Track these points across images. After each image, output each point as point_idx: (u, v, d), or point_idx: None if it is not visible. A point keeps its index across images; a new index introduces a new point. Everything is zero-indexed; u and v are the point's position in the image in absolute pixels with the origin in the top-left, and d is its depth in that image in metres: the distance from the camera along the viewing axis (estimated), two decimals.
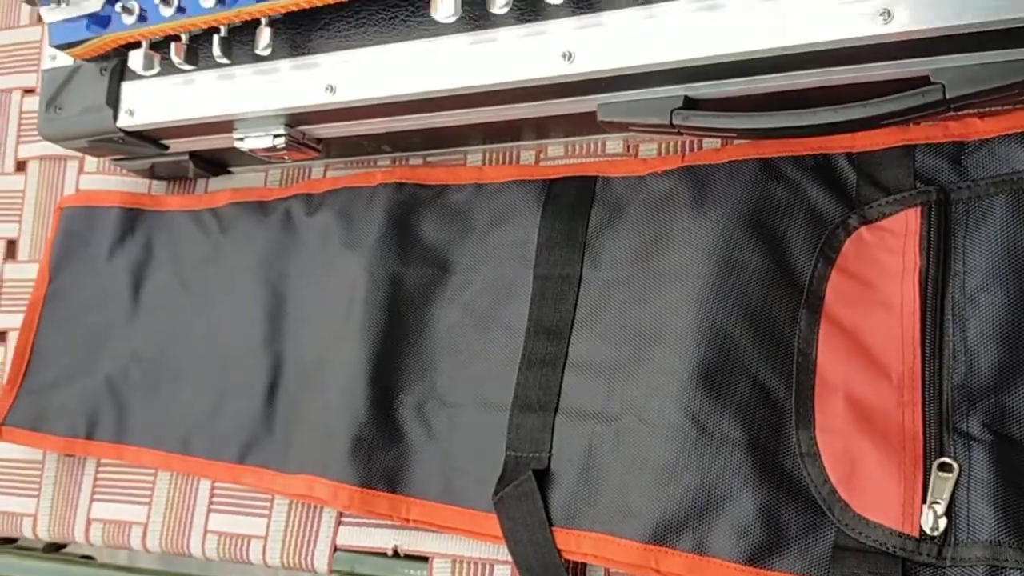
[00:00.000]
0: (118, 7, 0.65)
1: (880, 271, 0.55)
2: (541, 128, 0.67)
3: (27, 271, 0.85)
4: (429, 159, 0.74)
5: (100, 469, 0.78)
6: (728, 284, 0.57)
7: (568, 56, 0.56)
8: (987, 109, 0.56)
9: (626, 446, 0.57)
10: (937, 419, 0.52)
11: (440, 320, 0.67)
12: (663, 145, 0.66)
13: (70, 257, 0.82)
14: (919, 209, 0.55)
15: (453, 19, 0.56)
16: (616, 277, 0.62)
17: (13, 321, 0.84)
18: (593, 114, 0.60)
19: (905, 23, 0.48)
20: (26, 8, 0.88)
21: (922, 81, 0.51)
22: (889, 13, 0.48)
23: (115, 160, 0.79)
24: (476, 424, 0.63)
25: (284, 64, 0.65)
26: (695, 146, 0.64)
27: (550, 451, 0.60)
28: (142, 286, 0.79)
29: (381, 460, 0.64)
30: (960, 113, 0.55)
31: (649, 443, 0.56)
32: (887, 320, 0.54)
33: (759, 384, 0.55)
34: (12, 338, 0.83)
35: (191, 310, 0.76)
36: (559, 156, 0.69)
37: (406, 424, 0.65)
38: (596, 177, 0.65)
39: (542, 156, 0.70)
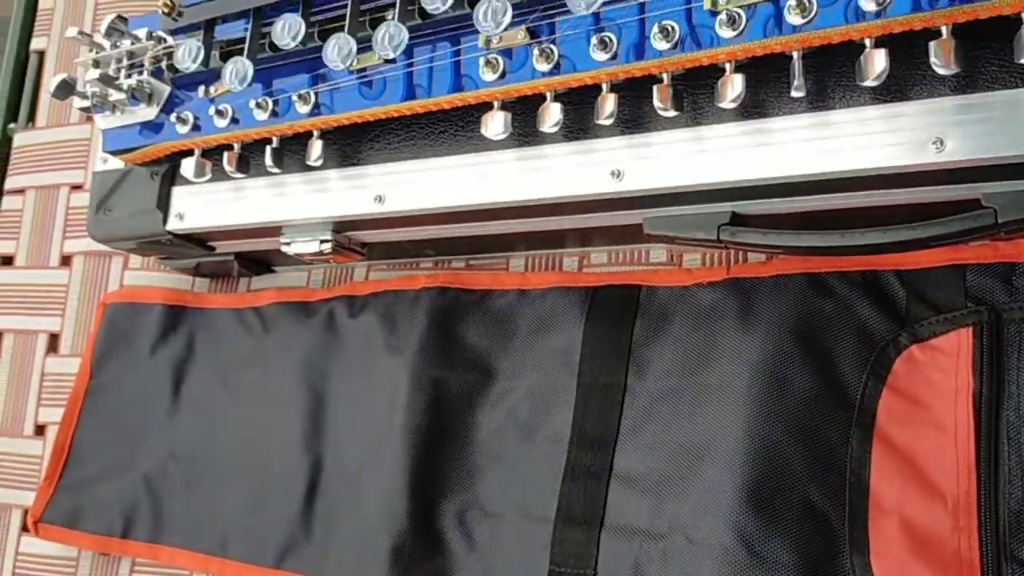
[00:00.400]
0: (173, 117, 0.66)
1: (933, 391, 0.55)
2: (585, 237, 0.68)
3: (69, 365, 0.86)
4: (471, 262, 0.74)
5: (135, 569, 0.78)
6: (777, 402, 0.56)
7: (617, 175, 0.56)
8: None
9: (674, 566, 0.56)
10: (994, 545, 0.51)
11: (483, 427, 0.66)
12: (707, 256, 0.66)
13: (112, 353, 0.83)
14: (971, 329, 0.55)
15: (503, 137, 0.57)
16: (662, 389, 0.62)
17: (53, 415, 0.84)
18: (639, 225, 0.60)
19: (958, 152, 0.48)
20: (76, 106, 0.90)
21: (973, 204, 0.51)
22: (942, 142, 0.48)
23: (161, 259, 0.80)
24: (519, 536, 0.63)
25: (333, 173, 0.66)
26: (740, 258, 0.65)
27: (595, 568, 0.59)
28: (183, 384, 0.80)
29: (421, 572, 0.64)
30: (1011, 234, 0.55)
31: (698, 564, 0.55)
32: (941, 442, 0.53)
33: (811, 506, 0.54)
34: (52, 432, 0.84)
35: (231, 409, 0.77)
36: (602, 263, 0.69)
37: (447, 533, 0.65)
38: (640, 286, 0.66)
39: (585, 263, 0.70)
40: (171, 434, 0.78)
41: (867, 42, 0.48)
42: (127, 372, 0.82)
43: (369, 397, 0.70)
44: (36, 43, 0.99)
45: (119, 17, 0.67)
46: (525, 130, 0.59)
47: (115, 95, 0.68)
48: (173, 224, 0.72)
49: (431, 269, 0.75)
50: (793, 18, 0.48)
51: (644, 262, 0.68)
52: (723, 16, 0.49)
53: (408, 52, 0.59)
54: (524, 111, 0.58)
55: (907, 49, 0.49)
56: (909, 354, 0.56)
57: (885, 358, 0.56)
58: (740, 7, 0.49)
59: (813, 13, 0.47)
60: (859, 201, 0.54)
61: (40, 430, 0.86)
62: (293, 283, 0.80)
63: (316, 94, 0.61)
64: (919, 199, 0.53)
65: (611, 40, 0.52)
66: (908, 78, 0.49)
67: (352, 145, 0.65)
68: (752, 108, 0.53)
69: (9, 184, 0.95)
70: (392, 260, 0.77)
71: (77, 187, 0.91)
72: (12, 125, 0.98)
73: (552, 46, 0.54)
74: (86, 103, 0.69)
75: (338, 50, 0.56)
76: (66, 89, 0.68)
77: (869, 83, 0.48)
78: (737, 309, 0.61)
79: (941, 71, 0.46)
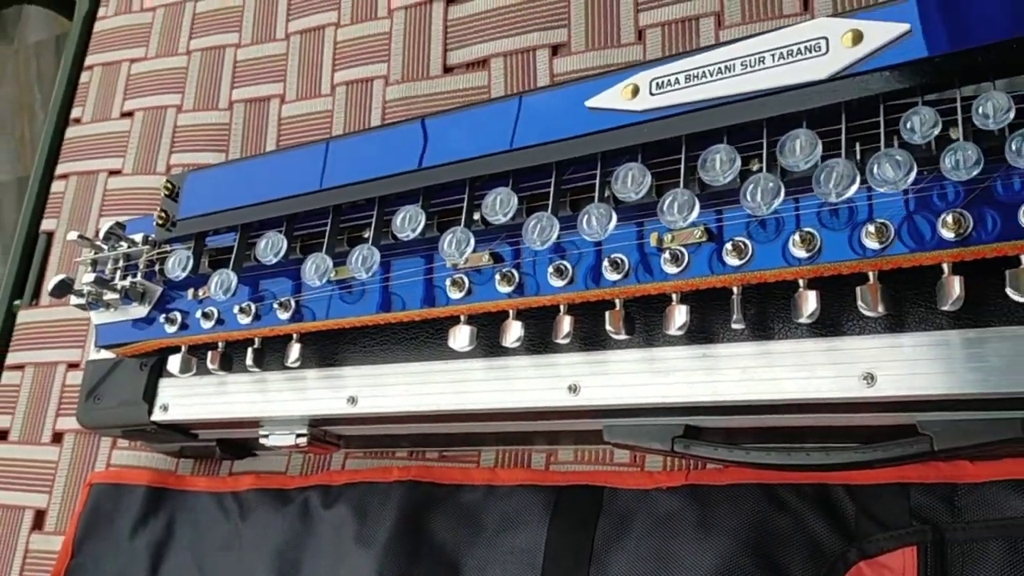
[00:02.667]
0: (162, 316, 0.70)
1: None
2: (551, 438, 0.70)
3: (52, 543, 0.87)
4: (445, 454, 0.76)
5: None
6: None
7: (574, 389, 0.59)
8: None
9: None
10: None
11: None
12: (668, 459, 0.68)
13: (94, 534, 0.84)
14: (915, 548, 0.56)
15: (468, 349, 0.60)
16: None
17: None
18: (600, 431, 0.63)
19: (887, 388, 0.51)
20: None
21: (911, 430, 0.53)
22: (872, 377, 0.51)
23: (146, 443, 0.83)
24: None
25: (311, 373, 0.69)
26: (700, 463, 0.67)
27: None
28: (160, 567, 0.81)
29: None
30: (949, 458, 0.57)
31: None
32: None
33: None
34: None
35: None
36: (569, 461, 0.71)
37: None
38: (604, 487, 0.68)
39: (552, 460, 0.72)
40: None
41: (800, 283, 0.51)
42: (108, 553, 0.83)
43: None
44: (46, 224, 1.04)
45: (118, 223, 0.72)
46: (491, 342, 0.62)
47: (109, 295, 0.72)
48: (157, 415, 0.75)
49: (406, 460, 0.77)
50: (731, 259, 0.51)
51: (609, 462, 0.70)
52: (667, 254, 0.53)
53: (385, 266, 0.63)
54: (490, 324, 0.62)
55: (841, 288, 0.52)
56: (858, 570, 0.58)
57: (835, 574, 0.58)
58: (683, 246, 0.53)
59: (749, 255, 0.51)
60: (804, 421, 0.57)
61: None
62: (273, 467, 0.82)
63: (296, 301, 0.65)
64: (861, 422, 0.56)
65: (567, 268, 0.56)
66: (843, 315, 0.53)
67: (329, 347, 0.69)
68: (699, 334, 0.56)
69: (9, 360, 0.98)
70: (368, 449, 0.79)
71: (74, 365, 0.94)
72: (17, 302, 1.02)
73: (514, 270, 0.58)
74: (82, 301, 0.73)
75: (315, 268, 0.61)
76: (63, 289, 0.72)
77: (803, 321, 0.51)
78: (695, 517, 0.63)
79: (867, 313, 0.49)
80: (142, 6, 1.10)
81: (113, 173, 1.02)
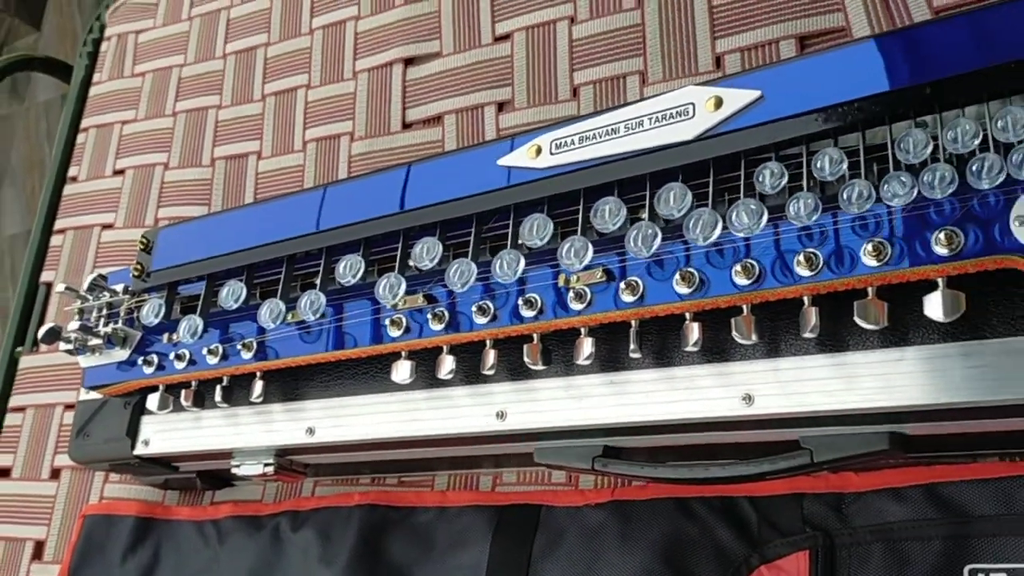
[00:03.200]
0: (140, 359, 0.78)
1: None
2: (497, 461, 0.77)
3: (51, 572, 0.94)
4: (403, 479, 0.83)
5: None
6: None
7: (501, 415, 0.66)
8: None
9: None
10: None
11: None
12: (598, 478, 0.75)
13: (88, 561, 0.91)
14: (808, 552, 0.63)
15: (409, 381, 0.67)
16: None
17: None
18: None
19: (764, 407, 0.57)
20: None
21: (795, 444, 0.60)
22: (751, 398, 0.58)
23: (133, 476, 0.90)
24: None
25: (276, 407, 0.77)
26: (626, 481, 0.73)
27: None
28: None
29: None
30: (835, 469, 0.64)
31: None
32: None
33: None
34: None
35: None
36: (512, 483, 0.78)
37: None
38: (541, 506, 0.74)
39: (498, 482, 0.79)
40: None
41: (687, 315, 0.58)
42: None
43: None
44: (45, 276, 1.12)
45: (100, 276, 0.80)
46: (430, 374, 0.69)
47: (94, 340, 0.79)
48: (140, 449, 0.82)
49: (367, 486, 0.84)
50: (626, 296, 0.58)
51: (547, 482, 0.77)
52: (572, 293, 0.60)
53: (337, 308, 0.70)
54: (429, 358, 0.69)
55: (723, 319, 0.59)
56: (759, 573, 0.64)
57: None
58: (587, 285, 0.60)
59: (641, 292, 0.58)
60: (705, 439, 0.63)
61: None
62: (251, 496, 0.89)
63: (258, 342, 0.72)
64: (755, 438, 0.62)
65: (488, 307, 0.63)
66: (725, 342, 0.59)
67: (291, 383, 0.76)
68: (608, 363, 0.63)
69: (12, 403, 1.06)
70: (335, 476, 0.86)
71: (70, 407, 1.02)
72: (19, 348, 1.10)
73: (444, 310, 0.65)
74: (70, 346, 0.80)
75: (269, 312, 0.68)
76: (53, 336, 0.80)
77: (690, 349, 0.58)
78: (618, 530, 0.69)
79: (742, 341, 0.56)
80: (132, 72, 1.19)
81: (106, 227, 1.11)
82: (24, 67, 1.34)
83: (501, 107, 0.90)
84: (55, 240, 1.14)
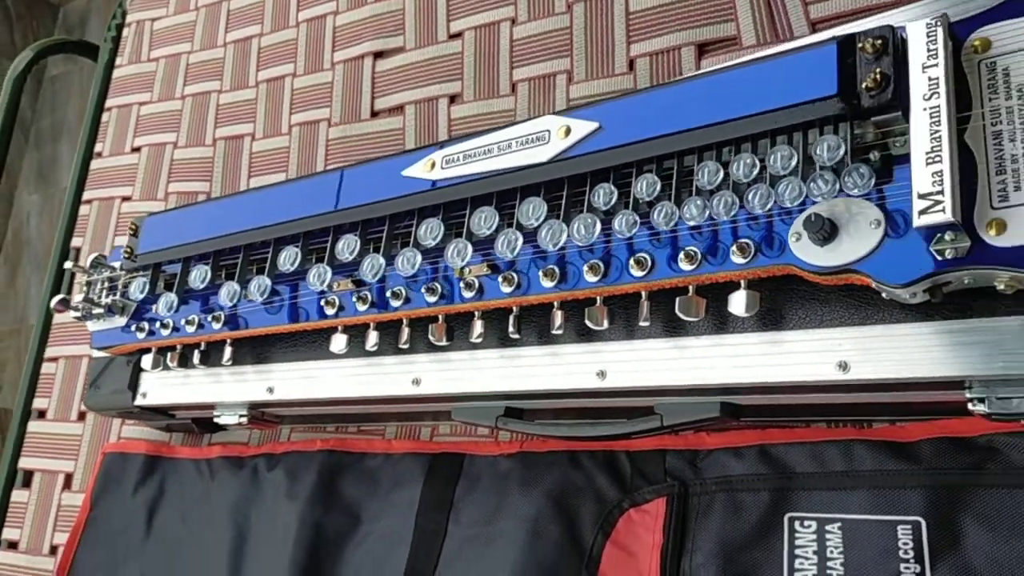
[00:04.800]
0: (134, 327, 0.92)
1: (640, 545, 0.75)
2: (436, 416, 0.90)
3: (77, 499, 1.11)
4: (361, 428, 0.97)
5: None
6: (532, 550, 0.77)
7: (416, 382, 0.79)
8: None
9: None
10: None
11: (349, 562, 0.88)
12: (512, 434, 0.87)
13: (106, 492, 1.07)
14: (666, 498, 0.75)
15: (344, 351, 0.80)
16: (468, 535, 0.83)
17: (64, 539, 1.09)
18: None
19: (616, 381, 0.69)
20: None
21: (651, 409, 0.72)
22: (604, 373, 0.69)
23: (139, 420, 1.05)
24: None
25: (248, 369, 0.90)
26: (532, 436, 0.86)
27: None
28: (154, 518, 1.03)
29: None
30: (682, 431, 0.75)
31: None
32: None
33: None
34: (60, 554, 1.09)
35: (186, 540, 1.00)
36: (446, 434, 0.91)
37: None
38: (465, 454, 0.87)
39: (435, 433, 0.92)
40: (143, 559, 1.02)
41: (554, 304, 0.70)
42: (115, 508, 1.06)
43: (273, 535, 0.92)
44: (75, 242, 1.27)
45: (100, 255, 0.94)
46: (362, 346, 0.82)
47: (97, 309, 0.94)
48: (139, 400, 0.97)
49: (331, 433, 0.98)
50: (505, 287, 0.70)
51: (474, 434, 0.90)
52: (462, 283, 0.72)
53: (294, 287, 0.83)
54: (360, 334, 0.81)
55: (583, 307, 0.70)
56: (628, 516, 0.76)
57: (611, 518, 0.76)
58: (476, 277, 0.72)
59: (516, 284, 0.70)
60: (578, 404, 0.75)
61: (53, 550, 1.11)
62: (238, 439, 1.04)
63: (227, 315, 0.86)
64: (623, 404, 0.74)
65: (401, 292, 0.75)
66: (582, 327, 0.71)
67: (258, 349, 0.90)
68: (499, 340, 0.75)
69: (48, 353, 1.22)
70: (306, 424, 1.00)
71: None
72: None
73: (368, 293, 0.77)
74: (78, 314, 0.95)
75: (227, 293, 0.81)
76: (64, 304, 0.95)
77: (556, 331, 0.69)
78: (520, 477, 0.82)
79: (594, 327, 0.67)
80: (148, 57, 1.32)
81: (125, 199, 1.25)
82: (59, 50, 1.48)
83: (452, 100, 1.01)
84: (83, 210, 1.29)
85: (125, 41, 1.36)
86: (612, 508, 0.77)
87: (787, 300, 0.63)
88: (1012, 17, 0.56)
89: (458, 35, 1.03)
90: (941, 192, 0.51)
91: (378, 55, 1.09)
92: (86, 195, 1.30)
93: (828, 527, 0.67)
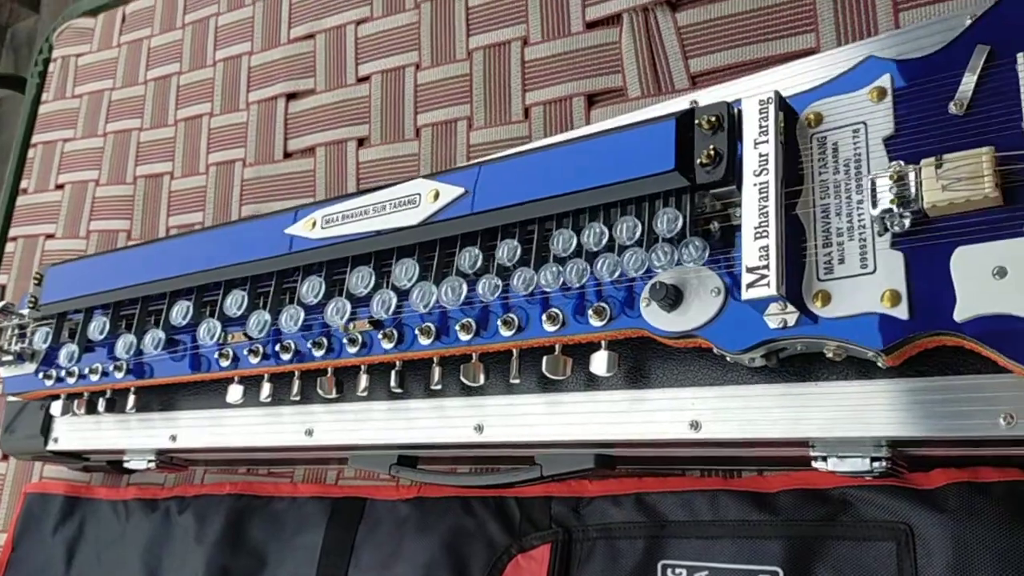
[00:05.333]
0: (41, 374, 0.93)
1: None
2: (341, 460, 0.91)
3: (0, 539, 1.12)
4: (272, 470, 0.98)
5: None
6: None
7: (310, 432, 0.80)
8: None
9: None
10: None
11: None
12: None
13: (27, 532, 1.08)
14: (551, 544, 0.77)
15: (240, 401, 0.81)
16: None
17: None
18: None
19: (492, 436, 0.71)
20: None
21: (531, 459, 0.73)
22: (481, 427, 0.71)
23: (55, 463, 1.06)
24: None
25: (155, 416, 0.92)
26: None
27: None
28: (73, 559, 1.05)
29: None
30: (563, 480, 0.77)
31: None
32: None
33: None
34: None
35: None
36: (351, 477, 0.93)
37: None
38: (367, 499, 0.89)
39: (341, 476, 0.94)
40: None
41: (434, 359, 0.71)
42: (36, 548, 1.07)
43: None
44: (0, 279, 1.28)
45: (9, 303, 0.95)
46: (256, 397, 0.83)
47: (7, 356, 0.95)
48: (51, 445, 0.98)
49: (243, 475, 0.99)
50: (385, 343, 0.72)
51: (377, 478, 0.91)
52: (346, 339, 0.74)
53: (194, 337, 0.85)
54: (258, 384, 0.83)
55: (459, 362, 0.72)
56: (516, 562, 0.78)
57: (500, 564, 0.78)
58: (360, 332, 0.74)
59: (397, 339, 0.71)
60: (475, 453, 0.77)
61: None
62: (154, 479, 1.05)
63: (127, 364, 0.87)
64: (504, 454, 0.76)
65: (291, 345, 0.77)
66: (456, 382, 0.72)
67: (163, 396, 0.91)
68: (396, 394, 0.77)
69: None
70: (219, 466, 1.01)
71: None
72: None
73: (260, 346, 0.79)
74: None
75: (123, 345, 0.83)
76: None
77: (434, 386, 0.71)
78: (417, 520, 0.83)
79: (469, 383, 0.69)
80: (72, 93, 1.33)
81: (49, 236, 1.26)
82: None
83: (361, 143, 1.03)
84: (9, 247, 1.29)
85: (51, 76, 1.37)
86: (501, 554, 0.79)
87: (649, 359, 0.65)
88: (843, 92, 0.58)
89: (366, 79, 1.04)
90: (767, 267, 0.53)
91: (291, 96, 1.10)
92: (12, 232, 1.30)
93: (697, 575, 0.69)
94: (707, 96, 0.68)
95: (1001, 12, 0.54)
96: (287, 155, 1.09)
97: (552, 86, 0.90)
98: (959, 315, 0.49)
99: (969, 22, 0.55)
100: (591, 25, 0.89)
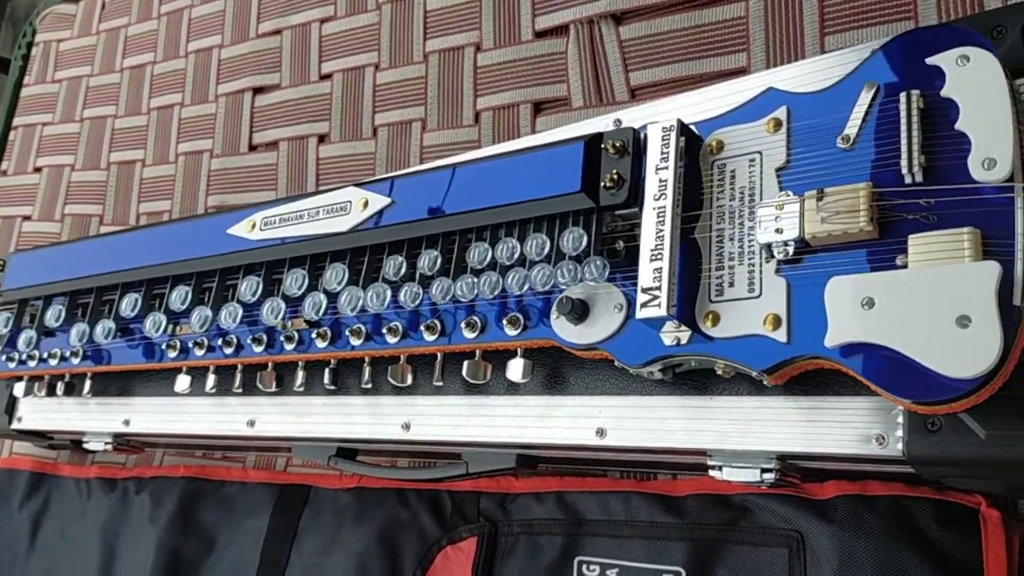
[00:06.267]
0: (4, 356, 0.97)
1: None
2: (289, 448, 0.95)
3: None
4: (226, 455, 1.02)
5: None
6: None
7: (251, 423, 0.84)
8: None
9: None
10: None
11: None
12: None
13: None
14: (478, 537, 0.80)
15: (187, 391, 0.85)
16: (307, 565, 0.88)
17: None
18: None
19: (418, 434, 0.74)
20: None
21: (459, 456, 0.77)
22: (408, 426, 0.74)
23: (20, 440, 1.10)
24: None
25: (113, 400, 0.95)
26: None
27: None
28: (38, 532, 1.09)
29: None
30: (490, 476, 0.80)
31: None
32: None
33: None
34: None
35: (64, 554, 1.05)
36: (298, 465, 0.96)
37: None
38: (311, 486, 0.92)
39: (289, 463, 0.97)
40: (26, 572, 1.07)
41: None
42: (3, 521, 1.11)
43: (136, 557, 0.98)
44: None
45: None
46: (203, 387, 0.86)
47: None
48: (15, 424, 1.02)
49: (199, 458, 1.03)
50: (319, 342, 0.75)
51: (322, 466, 0.95)
52: (283, 336, 0.77)
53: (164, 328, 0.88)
54: (204, 376, 0.86)
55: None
56: (445, 553, 0.81)
57: (430, 555, 0.82)
58: (297, 331, 0.77)
59: (330, 339, 0.75)
60: (406, 448, 0.80)
61: None
62: (117, 459, 1.09)
63: (85, 350, 0.91)
64: (434, 450, 0.79)
65: (233, 340, 0.80)
66: (386, 384, 0.75)
67: (121, 382, 0.94)
68: (323, 388, 0.80)
69: None
70: (176, 448, 1.05)
71: None
72: None
73: (204, 338, 0.82)
74: None
75: (76, 333, 0.86)
76: None
77: (364, 384, 0.74)
78: (356, 509, 0.87)
79: (396, 383, 0.72)
80: (53, 78, 1.36)
81: (26, 218, 1.29)
82: None
83: (321, 139, 1.06)
84: None
85: (33, 60, 1.40)
86: (432, 545, 0.82)
87: (564, 367, 0.68)
88: (744, 122, 0.60)
89: (328, 76, 1.07)
90: (659, 288, 0.56)
91: (257, 90, 1.13)
92: None
93: (609, 572, 0.73)
94: (639, 112, 0.71)
95: (890, 51, 0.56)
96: (252, 148, 1.12)
97: (502, 92, 0.93)
98: (829, 341, 0.52)
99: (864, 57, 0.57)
100: (540, 34, 0.92)
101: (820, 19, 0.76)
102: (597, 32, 0.87)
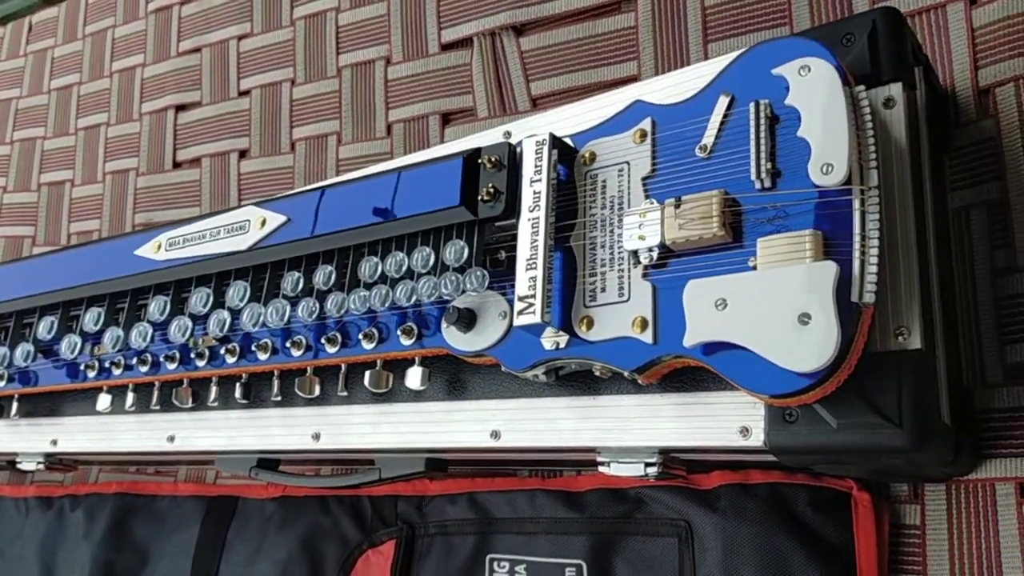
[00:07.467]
0: None
1: None
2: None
3: None
4: (159, 469, 1.04)
5: None
6: None
7: (171, 439, 0.85)
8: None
9: None
10: None
11: None
12: None
13: None
14: (396, 540, 0.82)
15: (108, 410, 0.86)
16: (236, 574, 0.90)
17: None
18: None
19: (327, 443, 0.76)
20: None
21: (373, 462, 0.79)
22: (318, 435, 0.77)
23: None
24: None
25: (43, 421, 0.96)
26: None
27: None
28: None
29: None
30: (407, 480, 0.82)
31: None
32: None
33: None
34: None
35: (2, 574, 1.06)
36: (227, 477, 0.98)
37: None
38: (239, 497, 0.94)
39: (219, 475, 0.99)
40: None
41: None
42: None
43: (71, 572, 0.99)
44: None
45: None
46: (123, 405, 0.88)
47: None
48: None
49: (133, 474, 1.05)
50: (229, 358, 0.77)
51: (251, 478, 0.97)
52: (194, 353, 0.79)
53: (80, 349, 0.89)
54: (123, 394, 0.88)
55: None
56: (366, 557, 0.84)
57: (351, 559, 0.84)
58: (208, 347, 0.79)
59: (239, 354, 0.77)
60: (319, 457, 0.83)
61: None
62: (55, 478, 1.10)
63: (7, 374, 0.92)
64: (349, 457, 0.81)
65: (148, 358, 0.82)
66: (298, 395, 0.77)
67: (50, 403, 0.96)
68: (251, 402, 0.82)
69: None
70: (112, 466, 1.06)
71: None
72: None
73: (120, 357, 0.84)
74: None
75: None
76: None
77: (274, 397, 0.76)
78: (280, 518, 0.89)
79: (303, 395, 0.74)
80: (49, 88, 1.35)
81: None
82: None
83: (242, 155, 1.07)
84: None
85: None
86: (353, 549, 0.85)
87: (463, 373, 0.71)
88: (614, 133, 0.63)
89: (247, 92, 1.09)
90: (534, 296, 0.59)
91: (180, 108, 1.15)
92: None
93: (518, 568, 0.75)
94: (535, 122, 0.73)
95: (743, 63, 0.59)
96: (176, 165, 1.13)
97: (412, 104, 0.95)
98: (687, 341, 0.55)
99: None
100: (446, 47, 0.94)
101: (703, 27, 0.78)
102: (499, 44, 0.90)
